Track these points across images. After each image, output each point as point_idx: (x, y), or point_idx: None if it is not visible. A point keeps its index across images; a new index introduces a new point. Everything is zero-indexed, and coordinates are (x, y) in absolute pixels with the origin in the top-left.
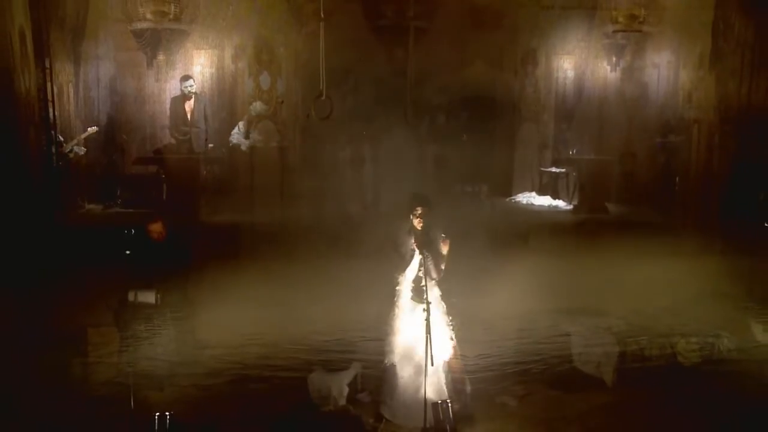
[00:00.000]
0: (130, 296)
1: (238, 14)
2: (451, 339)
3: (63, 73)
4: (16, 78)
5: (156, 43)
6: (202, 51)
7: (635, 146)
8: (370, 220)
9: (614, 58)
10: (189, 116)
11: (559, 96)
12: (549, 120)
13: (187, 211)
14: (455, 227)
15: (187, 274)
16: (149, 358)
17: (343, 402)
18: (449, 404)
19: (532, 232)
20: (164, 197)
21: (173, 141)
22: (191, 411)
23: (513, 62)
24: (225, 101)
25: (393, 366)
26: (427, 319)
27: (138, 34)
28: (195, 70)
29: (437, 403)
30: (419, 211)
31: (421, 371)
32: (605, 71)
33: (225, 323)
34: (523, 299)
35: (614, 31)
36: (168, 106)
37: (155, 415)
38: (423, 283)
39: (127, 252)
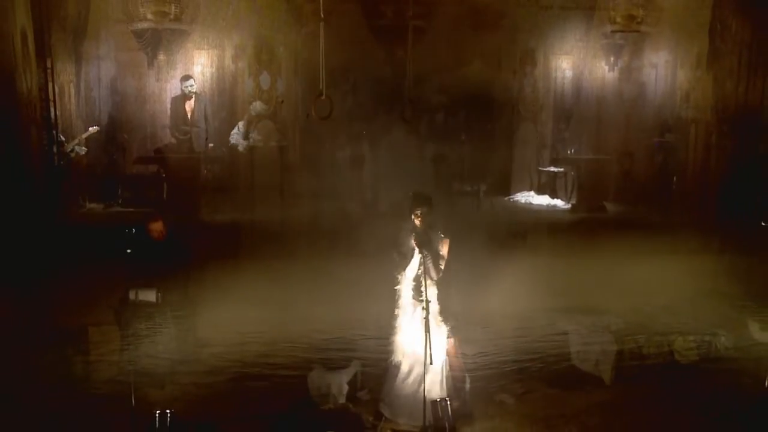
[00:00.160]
0: (131, 295)
1: (238, 14)
2: (449, 337)
3: (64, 73)
4: (18, 78)
5: (157, 43)
6: (203, 51)
7: (633, 146)
8: (370, 219)
9: (612, 58)
10: (189, 116)
11: (557, 96)
12: (547, 119)
13: (188, 210)
14: (454, 226)
15: (187, 273)
16: (150, 356)
17: (342, 400)
18: (448, 402)
19: (530, 231)
20: (165, 196)
21: (174, 140)
22: (192, 409)
23: (512, 62)
24: (225, 101)
25: (393, 364)
26: (426, 318)
27: (139, 34)
28: (195, 70)
29: (436, 401)
30: (419, 210)
31: (420, 370)
32: (603, 71)
33: (225, 322)
34: (522, 298)
35: (612, 32)
36: (168, 105)
37: (156, 413)
38: (422, 281)
39: (128, 251)
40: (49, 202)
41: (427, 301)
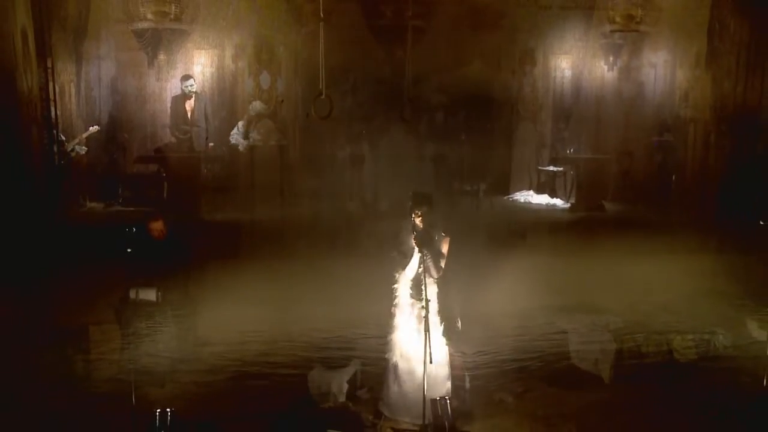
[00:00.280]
0: (132, 294)
1: (238, 14)
2: (448, 336)
3: (65, 73)
4: (19, 77)
5: (157, 42)
6: (203, 50)
7: (632, 145)
8: (369, 218)
9: (611, 58)
10: (189, 115)
11: (556, 95)
12: (547, 119)
13: (188, 210)
14: (454, 226)
15: (187, 272)
16: (150, 355)
17: (342, 399)
18: (448, 401)
19: (529, 230)
20: (165, 195)
21: (174, 140)
22: (192, 407)
23: (511, 62)
24: (225, 100)
25: (392, 363)
26: (426, 317)
27: (139, 34)
28: (195, 70)
29: (436, 399)
30: (419, 209)
31: (420, 368)
32: (602, 71)
33: (225, 320)
34: (521, 297)
35: (611, 31)
36: (169, 105)
37: (156, 412)
38: (422, 280)
39: (129, 250)
40: (49, 202)
41: (427, 300)
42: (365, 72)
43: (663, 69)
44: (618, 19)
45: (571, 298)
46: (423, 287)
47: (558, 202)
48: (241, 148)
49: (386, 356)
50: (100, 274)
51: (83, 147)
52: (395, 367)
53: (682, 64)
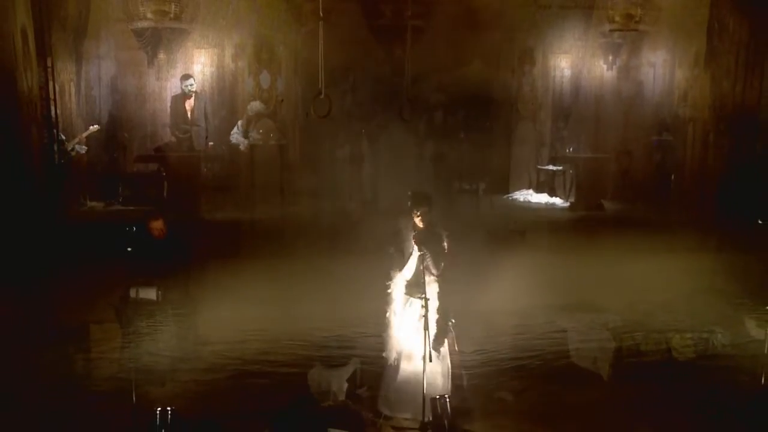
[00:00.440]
0: (132, 293)
1: (238, 13)
2: (447, 334)
3: (65, 72)
4: (19, 77)
5: (157, 42)
6: (203, 50)
7: (631, 144)
8: (369, 217)
9: (611, 57)
10: (189, 114)
11: (556, 94)
12: (546, 118)
13: (188, 209)
14: (453, 224)
15: (187, 271)
16: (151, 354)
17: (342, 397)
18: (447, 399)
19: (529, 229)
20: (165, 195)
21: (174, 139)
22: (192, 406)
23: (510, 61)
24: (225, 100)
25: (391, 361)
26: (426, 316)
27: (139, 33)
28: (195, 69)
29: (435, 398)
30: (419, 209)
31: (418, 366)
32: (602, 70)
33: (225, 319)
34: (521, 295)
35: (611, 30)
36: (169, 104)
37: (157, 410)
38: (422, 279)
39: (129, 249)
40: (49, 201)
41: (427, 299)
42: (365, 71)
43: (662, 68)
44: (617, 19)
45: (570, 297)
46: (423, 286)
47: (557, 201)
48: (242, 147)
49: (383, 354)
50: (101, 273)
51: (83, 146)
52: (393, 365)
53: (681, 63)
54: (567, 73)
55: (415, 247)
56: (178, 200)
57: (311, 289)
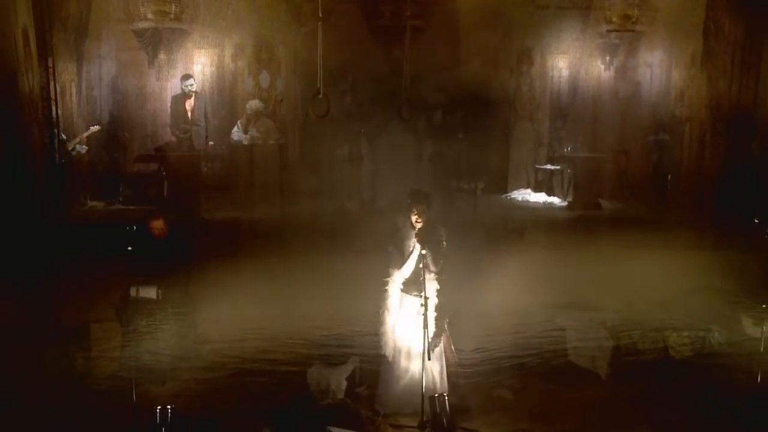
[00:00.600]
0: (132, 292)
1: (238, 14)
2: (444, 333)
3: (66, 73)
4: (20, 77)
5: (157, 42)
6: (203, 50)
7: (628, 144)
8: (368, 216)
9: (608, 57)
10: (190, 114)
11: (553, 94)
12: (544, 118)
13: (188, 208)
14: (452, 223)
15: (188, 270)
16: (151, 353)
17: (341, 396)
18: (446, 397)
19: (527, 228)
20: (165, 194)
21: (174, 139)
22: (192, 404)
23: (508, 61)
24: (225, 99)
25: (389, 360)
26: (425, 314)
27: (139, 34)
28: (195, 69)
29: (434, 396)
30: (418, 208)
31: (417, 365)
32: (599, 70)
33: (225, 318)
34: (519, 294)
35: (608, 31)
36: (169, 104)
37: (157, 409)
38: (421, 277)
39: (129, 248)
40: (50, 201)
41: (426, 297)
42: (364, 71)
43: (659, 68)
44: (615, 19)
45: (568, 296)
46: (422, 284)
47: (555, 200)
48: (245, 142)
49: (382, 350)
50: (101, 273)
51: (84, 146)
52: (391, 363)
53: (677, 63)
54: (565, 73)
55: (417, 246)
56: (179, 200)
57: (310, 287)
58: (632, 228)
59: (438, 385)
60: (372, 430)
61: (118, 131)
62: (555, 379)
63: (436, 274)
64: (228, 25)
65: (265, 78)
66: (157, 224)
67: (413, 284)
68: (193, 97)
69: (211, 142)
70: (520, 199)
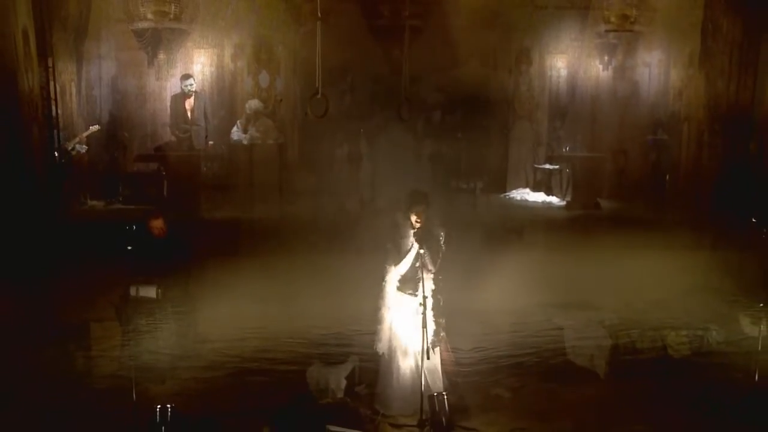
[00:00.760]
0: (132, 291)
1: (238, 14)
2: (441, 332)
3: (66, 72)
4: (20, 77)
5: (157, 42)
6: (202, 50)
7: (627, 143)
8: (367, 215)
9: (606, 57)
10: (189, 114)
11: (552, 94)
12: (543, 118)
13: (188, 208)
14: (451, 223)
15: (187, 270)
16: (151, 352)
17: (341, 395)
18: (445, 396)
19: (526, 227)
20: (165, 194)
21: (174, 138)
22: (192, 403)
23: (507, 61)
24: (224, 99)
25: (387, 359)
26: (424, 314)
27: (139, 34)
28: (195, 69)
29: (433, 395)
30: (417, 207)
31: (416, 364)
32: (598, 70)
33: (225, 317)
34: (518, 293)
35: (606, 31)
36: (169, 104)
37: (157, 408)
38: (419, 276)
39: (129, 248)
40: (50, 200)
41: (425, 297)
42: (363, 71)
43: (657, 68)
44: (613, 19)
45: (566, 295)
46: (421, 284)
47: (554, 199)
48: (244, 141)
49: (378, 351)
50: (101, 272)
51: (84, 146)
52: (388, 362)
53: (675, 63)
54: (563, 73)
55: (415, 244)
56: (178, 199)
57: (310, 287)
58: (630, 227)
59: (438, 384)
60: (371, 428)
61: (117, 131)
62: (553, 378)
63: (433, 273)
64: (227, 25)
65: (264, 78)
66: (157, 224)
67: (410, 283)
68: (192, 97)
69: (210, 142)
70: (518, 198)
